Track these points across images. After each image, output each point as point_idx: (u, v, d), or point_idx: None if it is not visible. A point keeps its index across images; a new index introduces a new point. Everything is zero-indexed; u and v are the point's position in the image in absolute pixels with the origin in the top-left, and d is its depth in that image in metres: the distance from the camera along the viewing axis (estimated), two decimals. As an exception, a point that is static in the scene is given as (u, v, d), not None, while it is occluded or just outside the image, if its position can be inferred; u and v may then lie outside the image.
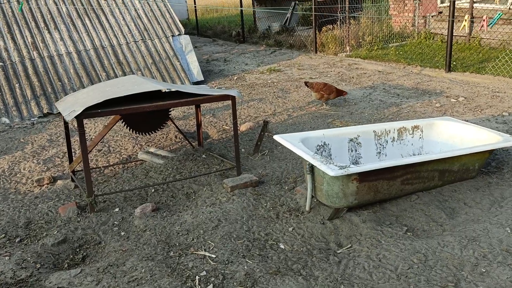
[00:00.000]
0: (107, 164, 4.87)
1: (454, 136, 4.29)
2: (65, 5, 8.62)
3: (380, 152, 4.17)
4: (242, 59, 10.88)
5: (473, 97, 6.37)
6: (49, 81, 7.67)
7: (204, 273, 2.85)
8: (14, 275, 2.95)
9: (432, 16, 11.56)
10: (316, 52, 10.94)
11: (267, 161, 4.68)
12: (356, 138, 4.04)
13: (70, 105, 3.89)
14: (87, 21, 8.55)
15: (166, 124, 4.59)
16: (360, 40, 10.58)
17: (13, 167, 4.92)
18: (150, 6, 9.18)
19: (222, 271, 2.86)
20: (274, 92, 7.46)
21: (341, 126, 5.51)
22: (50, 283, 2.86)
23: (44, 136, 5.95)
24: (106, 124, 4.73)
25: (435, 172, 3.62)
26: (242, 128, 5.71)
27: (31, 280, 2.90)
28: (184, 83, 8.40)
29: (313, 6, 10.88)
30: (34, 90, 7.44)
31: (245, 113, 6.39)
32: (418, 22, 11.80)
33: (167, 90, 4.29)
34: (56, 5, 8.60)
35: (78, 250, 3.33)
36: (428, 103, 6.26)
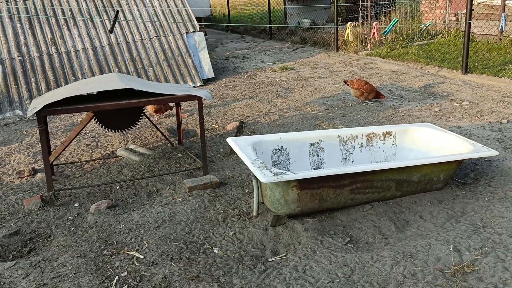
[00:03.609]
0: (89, 159, 5.01)
1: (430, 144, 4.06)
2: (86, 3, 8.94)
3: (346, 158, 4.02)
4: (261, 56, 10.83)
5: (479, 101, 5.99)
6: (63, 76, 7.99)
7: (125, 273, 2.88)
8: (-44, 263, 3.11)
9: (464, 13, 10.95)
10: (337, 50, 10.69)
11: (238, 163, 4.64)
12: (318, 143, 3.91)
13: (40, 102, 4.03)
14: (106, 18, 8.81)
15: (139, 121, 4.66)
16: (382, 38, 10.21)
17: (5, 158, 5.18)
18: (167, 3, 9.32)
19: (142, 273, 2.87)
20: (278, 91, 7.37)
21: (327, 129, 5.36)
22: (-16, 273, 2.99)
23: (45, 129, 6.21)
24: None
25: (391, 182, 3.44)
26: (229, 127, 5.69)
27: (-31, 269, 3.05)
28: (194, 79, 8.48)
29: (335, 4, 10.62)
30: (48, 85, 7.77)
31: (239, 112, 6.37)
32: (449, 19, 11.23)
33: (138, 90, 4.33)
34: (77, 2, 8.93)
35: (28, 243, 3.46)
36: (428, 107, 5.95)
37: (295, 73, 8.63)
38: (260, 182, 3.39)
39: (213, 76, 8.72)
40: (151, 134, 5.69)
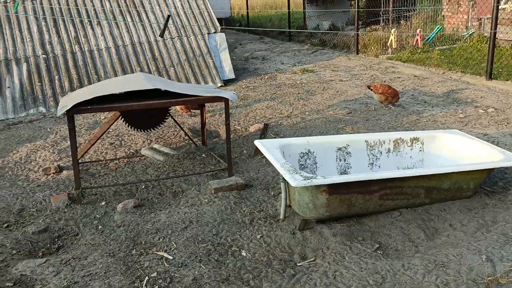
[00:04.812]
0: (113, 158, 5.05)
1: (458, 151, 4.01)
2: (109, 2, 9.02)
3: (373, 163, 3.99)
4: (281, 58, 10.81)
5: (505, 108, 5.90)
6: (86, 74, 8.07)
7: (155, 274, 2.89)
8: (-12, 259, 3.15)
9: (487, 19, 10.80)
10: (357, 53, 10.63)
11: (262, 165, 4.64)
12: (345, 148, 3.89)
13: (68, 100, 4.08)
14: (128, 18, 8.89)
15: (165, 121, 4.68)
16: (403, 42, 10.12)
17: (30, 155, 5.24)
18: (189, 4, 9.37)
19: (172, 274, 2.88)
20: (299, 93, 7.35)
21: (351, 133, 5.33)
22: (16, 269, 3.03)
23: (69, 127, 6.27)
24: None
25: (420, 189, 3.40)
26: (252, 129, 5.69)
27: (1, 265, 3.09)
28: (215, 80, 8.50)
29: (356, 8, 10.56)
30: (72, 82, 7.86)
31: (261, 114, 6.36)
32: (472, 25, 11.09)
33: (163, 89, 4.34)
34: (101, 2, 9.02)
35: (56, 240, 3.49)
36: (453, 113, 5.88)
37: (316, 76, 8.61)
38: (288, 185, 3.38)
39: (234, 77, 8.73)
40: (174, 134, 5.72)
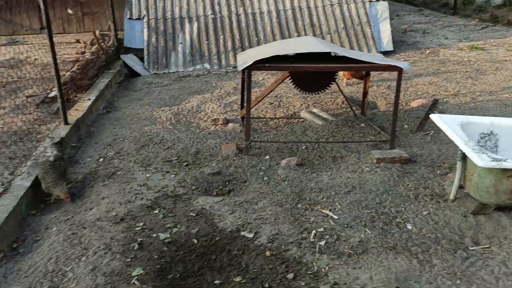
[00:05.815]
0: (273, 117, 5.27)
1: None
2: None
3: None
4: (444, 32, 10.01)
5: None
6: (247, 36, 8.44)
7: (321, 229, 2.99)
8: (174, 190, 3.58)
9: None
10: (537, 33, 9.33)
11: (427, 142, 4.42)
12: (535, 134, 3.49)
13: (246, 57, 4.32)
14: (291, -18, 8.99)
15: (330, 86, 4.69)
16: None
17: (200, 106, 5.73)
18: (353, -30, 9.10)
19: (339, 233, 2.95)
20: (466, 71, 6.76)
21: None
22: (197, 203, 3.40)
23: (231, 84, 6.70)
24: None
25: None
26: (413, 104, 5.43)
27: (184, 197, 3.49)
28: (371, 50, 8.25)
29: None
30: (234, 43, 8.30)
31: (423, 90, 6.02)
32: None
33: (335, 54, 4.34)
34: (267, -35, 9.24)
35: (227, 183, 3.80)
36: None
37: (487, 54, 7.80)
38: (465, 165, 3.18)
39: (392, 49, 8.35)
40: (330, 100, 5.73)
